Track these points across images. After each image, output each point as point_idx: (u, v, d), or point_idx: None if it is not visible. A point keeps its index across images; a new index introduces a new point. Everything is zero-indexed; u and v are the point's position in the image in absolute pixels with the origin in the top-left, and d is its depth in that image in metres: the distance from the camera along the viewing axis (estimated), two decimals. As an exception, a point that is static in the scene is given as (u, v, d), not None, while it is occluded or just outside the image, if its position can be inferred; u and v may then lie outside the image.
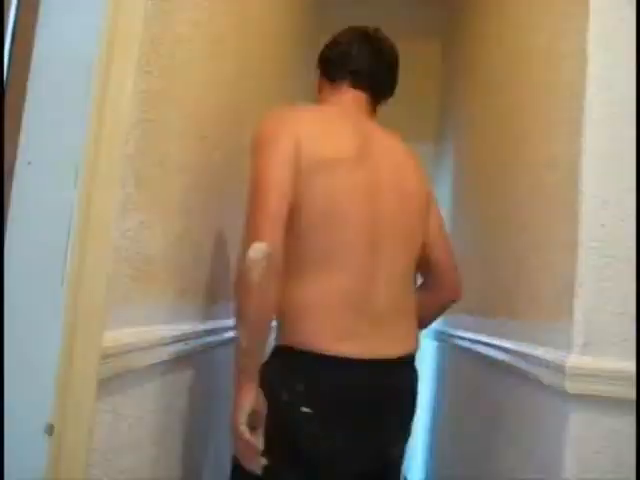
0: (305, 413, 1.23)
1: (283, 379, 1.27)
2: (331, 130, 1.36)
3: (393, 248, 1.36)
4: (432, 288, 1.54)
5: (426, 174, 1.55)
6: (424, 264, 1.50)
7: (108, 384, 0.96)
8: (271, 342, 1.32)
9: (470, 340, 2.12)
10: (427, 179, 1.54)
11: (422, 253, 1.47)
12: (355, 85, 1.49)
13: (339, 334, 1.26)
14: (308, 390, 1.24)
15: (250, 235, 1.21)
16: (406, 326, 1.40)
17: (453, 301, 1.57)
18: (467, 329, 2.23)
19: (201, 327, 1.46)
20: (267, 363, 1.28)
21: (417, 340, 1.43)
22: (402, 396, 1.38)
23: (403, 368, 1.38)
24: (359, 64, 1.49)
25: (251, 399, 1.20)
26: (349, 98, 1.49)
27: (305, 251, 1.28)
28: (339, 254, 1.29)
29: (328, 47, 1.55)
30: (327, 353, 1.24)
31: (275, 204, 1.22)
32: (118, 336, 0.99)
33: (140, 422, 1.14)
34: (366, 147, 1.38)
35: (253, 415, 1.21)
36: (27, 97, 0.87)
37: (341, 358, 1.25)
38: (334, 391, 1.25)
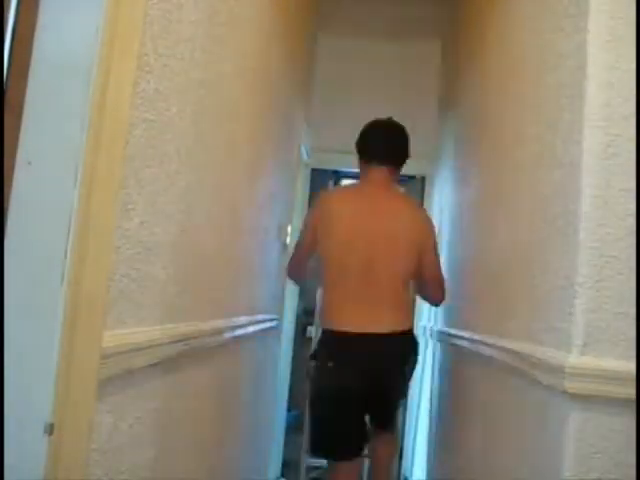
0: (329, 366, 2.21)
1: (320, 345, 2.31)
2: (349, 207, 2.34)
3: (380, 272, 2.27)
4: (425, 293, 2.57)
5: (427, 229, 2.41)
6: (419, 279, 2.44)
7: (108, 384, 0.96)
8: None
9: (470, 340, 2.12)
10: (426, 232, 2.39)
11: (419, 274, 2.38)
12: (378, 162, 2.38)
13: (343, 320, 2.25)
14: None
15: (292, 259, 2.51)
16: (391, 315, 2.27)
17: (436, 304, 2.65)
18: (467, 329, 2.23)
19: (201, 327, 1.47)
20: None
21: (401, 323, 2.29)
22: (385, 355, 2.24)
23: (389, 340, 2.23)
24: (376, 148, 2.41)
25: None
26: (374, 173, 2.40)
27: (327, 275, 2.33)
28: (344, 276, 2.28)
29: (358, 138, 2.45)
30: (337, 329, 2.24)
31: (304, 251, 2.44)
32: (118, 336, 0.99)
33: (140, 422, 1.14)
34: (368, 219, 2.29)
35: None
36: (27, 97, 0.87)
37: (344, 333, 2.23)
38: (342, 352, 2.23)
